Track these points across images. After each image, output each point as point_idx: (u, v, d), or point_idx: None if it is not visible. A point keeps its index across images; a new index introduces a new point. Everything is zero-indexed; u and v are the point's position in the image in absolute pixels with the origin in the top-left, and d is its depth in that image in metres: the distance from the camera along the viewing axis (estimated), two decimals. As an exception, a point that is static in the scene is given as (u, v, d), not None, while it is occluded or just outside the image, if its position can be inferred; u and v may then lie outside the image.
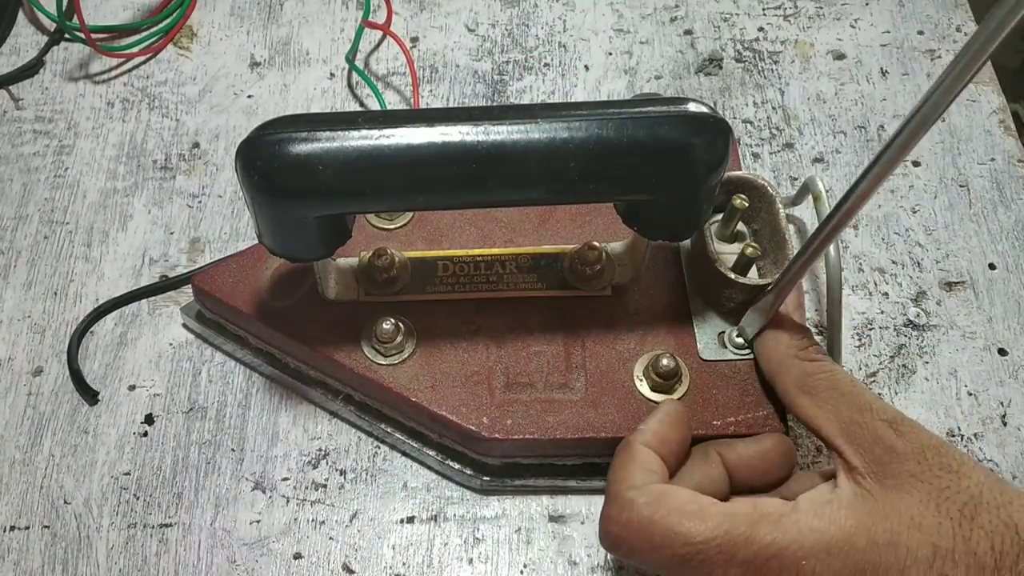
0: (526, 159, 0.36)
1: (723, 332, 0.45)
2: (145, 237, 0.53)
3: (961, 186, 0.56)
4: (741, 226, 0.47)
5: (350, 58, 0.58)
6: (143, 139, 0.57)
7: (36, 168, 0.56)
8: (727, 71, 0.60)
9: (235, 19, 0.62)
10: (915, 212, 0.55)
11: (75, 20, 0.58)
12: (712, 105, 0.37)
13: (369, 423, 0.46)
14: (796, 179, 0.56)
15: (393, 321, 0.44)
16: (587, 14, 0.63)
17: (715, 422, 0.43)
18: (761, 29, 0.62)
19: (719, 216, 0.47)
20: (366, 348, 0.45)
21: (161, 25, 0.61)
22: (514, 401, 0.44)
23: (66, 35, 0.60)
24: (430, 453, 0.46)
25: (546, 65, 0.61)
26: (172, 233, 0.54)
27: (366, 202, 0.39)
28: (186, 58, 0.61)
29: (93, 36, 0.58)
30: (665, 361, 0.43)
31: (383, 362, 0.45)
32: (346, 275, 0.47)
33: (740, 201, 0.45)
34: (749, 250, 0.44)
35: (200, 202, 0.55)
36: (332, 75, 0.60)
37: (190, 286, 0.48)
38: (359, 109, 0.59)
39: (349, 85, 0.60)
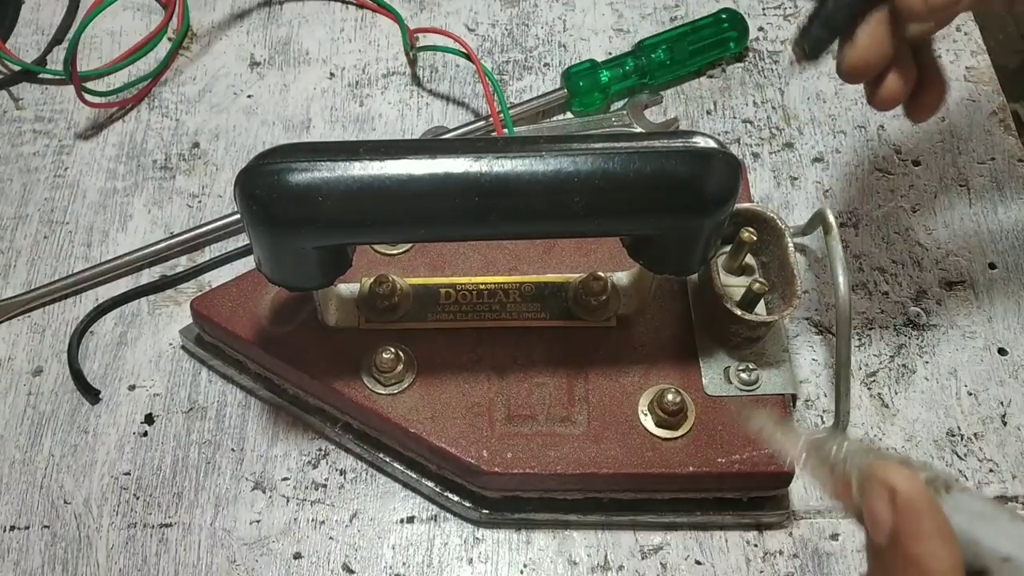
0: (530, 193, 0.35)
1: (729, 367, 0.44)
2: (145, 237, 0.53)
3: (961, 185, 0.56)
4: (750, 258, 0.46)
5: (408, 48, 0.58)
6: (143, 139, 0.57)
7: (36, 168, 0.56)
8: (727, 71, 0.60)
9: (235, 19, 0.62)
10: (915, 211, 0.55)
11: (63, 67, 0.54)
12: (720, 140, 0.37)
13: (367, 451, 0.46)
14: (796, 179, 0.56)
15: (393, 351, 0.44)
16: (587, 14, 0.63)
17: (720, 459, 0.42)
18: (761, 29, 0.62)
19: (727, 248, 0.45)
20: (365, 377, 0.44)
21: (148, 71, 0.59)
22: (515, 434, 0.43)
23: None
24: (428, 484, 0.45)
25: (546, 65, 0.60)
26: (172, 233, 0.54)
27: (366, 234, 0.38)
28: (186, 58, 0.61)
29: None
30: (671, 396, 0.42)
31: (382, 392, 0.44)
32: (347, 302, 0.46)
33: (748, 234, 0.44)
34: (756, 286, 0.43)
35: (200, 202, 0.55)
36: (332, 75, 0.60)
37: (190, 287, 0.48)
38: (359, 114, 0.59)
39: (349, 84, 0.60)
